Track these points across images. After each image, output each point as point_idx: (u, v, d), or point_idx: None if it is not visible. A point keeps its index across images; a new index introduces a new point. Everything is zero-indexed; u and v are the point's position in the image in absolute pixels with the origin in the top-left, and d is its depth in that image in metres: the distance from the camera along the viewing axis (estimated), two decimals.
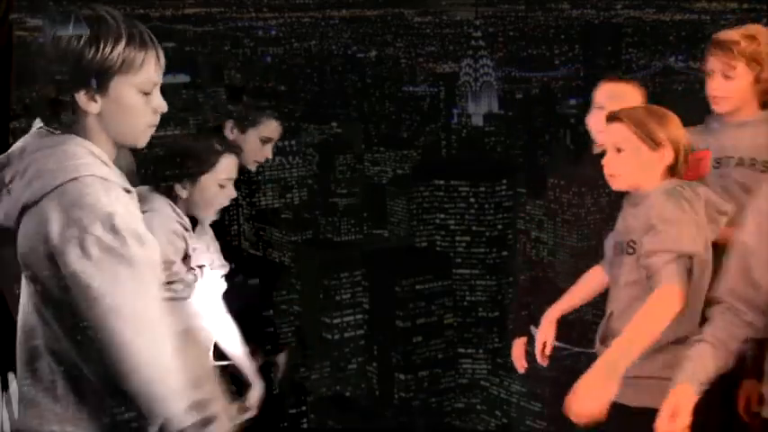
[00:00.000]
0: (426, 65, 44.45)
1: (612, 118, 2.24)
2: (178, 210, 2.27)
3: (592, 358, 2.20)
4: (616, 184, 2.25)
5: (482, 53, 42.45)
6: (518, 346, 2.70)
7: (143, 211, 2.03)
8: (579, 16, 43.10)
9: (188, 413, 1.60)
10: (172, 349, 1.60)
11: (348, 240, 36.99)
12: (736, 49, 2.42)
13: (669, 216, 2.08)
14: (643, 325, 2.01)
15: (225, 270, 2.42)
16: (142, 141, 1.72)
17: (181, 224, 2.27)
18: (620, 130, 2.22)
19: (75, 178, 1.58)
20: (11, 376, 1.63)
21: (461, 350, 34.07)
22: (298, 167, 37.68)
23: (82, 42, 1.61)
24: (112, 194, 1.60)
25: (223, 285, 2.41)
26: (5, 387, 1.65)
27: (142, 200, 2.21)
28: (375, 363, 33.80)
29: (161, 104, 1.71)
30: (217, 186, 2.30)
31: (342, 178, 38.63)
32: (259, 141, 2.87)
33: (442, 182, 36.29)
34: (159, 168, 2.29)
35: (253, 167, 2.96)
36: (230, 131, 2.88)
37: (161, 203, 2.28)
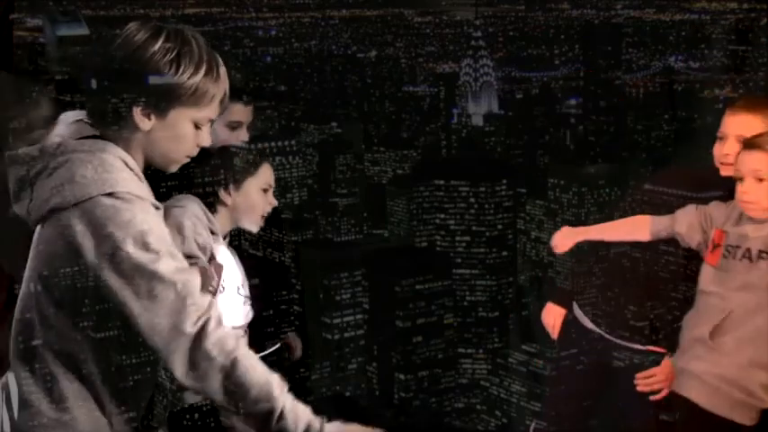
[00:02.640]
0: (426, 65, 44.41)
1: (751, 146, 2.27)
2: (210, 215, 2.28)
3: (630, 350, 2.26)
4: (754, 212, 2.31)
5: (482, 53, 42.42)
6: (555, 315, 2.66)
7: (175, 207, 2.06)
8: (579, 16, 43.06)
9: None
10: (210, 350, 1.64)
11: (348, 240, 36.95)
12: None
13: None
14: None
15: (244, 299, 2.41)
16: (173, 168, 1.74)
17: (209, 227, 2.26)
18: (761, 159, 2.25)
19: (111, 193, 1.57)
20: (11, 376, 1.63)
21: (461, 350, 34.02)
22: (298, 167, 37.61)
23: (164, 61, 1.58)
24: (149, 212, 1.65)
25: (244, 316, 2.40)
26: (5, 387, 1.64)
27: (176, 200, 2.23)
28: (375, 363, 33.77)
29: (206, 139, 1.74)
30: (259, 191, 2.35)
31: (342, 178, 38.57)
32: (226, 128, 2.97)
33: (442, 182, 36.25)
34: (205, 173, 2.31)
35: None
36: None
37: (191, 202, 2.33)
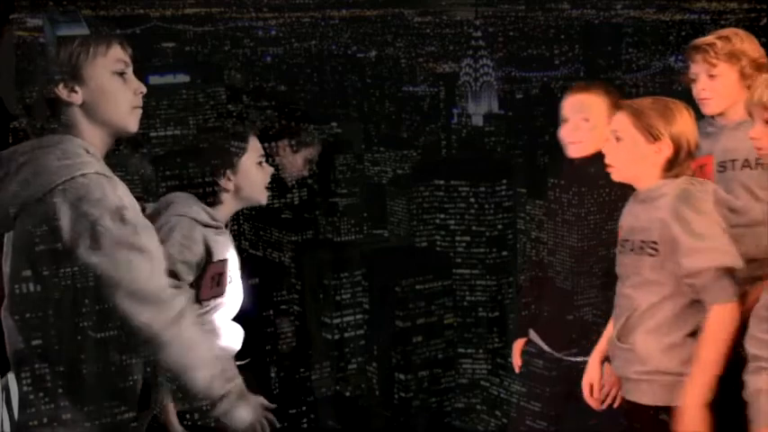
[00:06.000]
0: (426, 65, 44.39)
1: (617, 107, 2.27)
2: (209, 210, 2.24)
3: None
4: (614, 175, 2.24)
5: (482, 53, 42.39)
6: (517, 347, 2.75)
7: (172, 215, 2.07)
8: (579, 16, 43.04)
9: (220, 381, 1.66)
10: (191, 325, 1.65)
11: (348, 240, 36.93)
12: (713, 50, 2.45)
13: (699, 230, 2.05)
14: (712, 351, 2.03)
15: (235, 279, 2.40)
16: (132, 125, 1.74)
17: (208, 225, 2.23)
18: (620, 119, 2.21)
19: (82, 174, 1.59)
20: (11, 376, 1.63)
21: (461, 350, 34.02)
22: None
23: (48, 41, 1.64)
24: (119, 189, 1.64)
25: (238, 296, 2.39)
26: (5, 387, 1.64)
27: (170, 204, 2.19)
28: (375, 363, 33.76)
29: (139, 85, 1.74)
30: (256, 166, 2.31)
31: (342, 178, 38.56)
32: (303, 161, 3.09)
33: (442, 182, 36.24)
34: (195, 169, 2.29)
35: (289, 182, 3.14)
36: (284, 150, 3.03)
37: (186, 206, 2.24)
